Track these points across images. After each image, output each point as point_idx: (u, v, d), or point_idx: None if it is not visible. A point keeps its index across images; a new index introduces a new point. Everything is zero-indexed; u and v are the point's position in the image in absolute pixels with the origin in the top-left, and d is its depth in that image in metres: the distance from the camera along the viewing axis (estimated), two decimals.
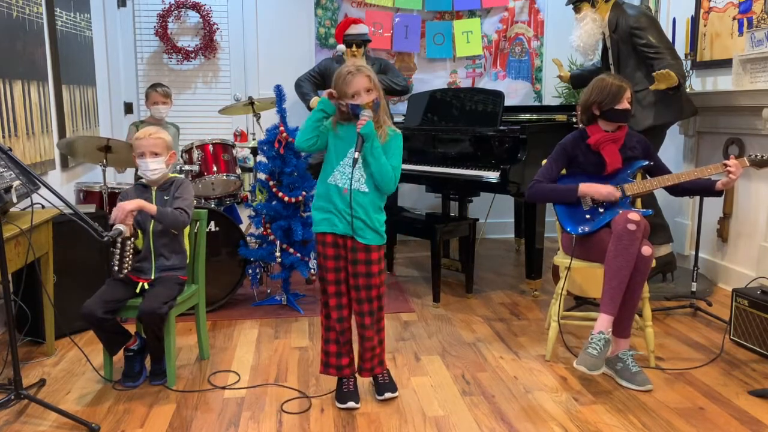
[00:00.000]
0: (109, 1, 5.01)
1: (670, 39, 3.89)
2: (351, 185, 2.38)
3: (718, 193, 2.83)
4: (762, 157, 2.75)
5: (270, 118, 4.24)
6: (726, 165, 2.70)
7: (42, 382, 2.69)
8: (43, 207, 2.88)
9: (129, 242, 2.50)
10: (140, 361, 2.74)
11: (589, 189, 2.79)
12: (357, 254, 2.43)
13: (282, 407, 2.49)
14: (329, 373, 2.56)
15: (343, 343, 2.53)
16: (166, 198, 2.74)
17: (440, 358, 2.98)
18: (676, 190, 2.89)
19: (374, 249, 2.43)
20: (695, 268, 3.57)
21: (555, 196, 2.88)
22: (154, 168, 2.71)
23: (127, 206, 2.54)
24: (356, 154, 2.30)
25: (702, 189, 2.86)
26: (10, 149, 2.40)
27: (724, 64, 4.01)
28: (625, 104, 2.77)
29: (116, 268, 2.48)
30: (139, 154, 2.71)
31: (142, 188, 2.77)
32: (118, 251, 2.47)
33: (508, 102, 4.35)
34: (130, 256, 2.51)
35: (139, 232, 2.69)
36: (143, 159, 2.70)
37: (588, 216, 2.82)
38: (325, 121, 2.41)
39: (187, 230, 2.84)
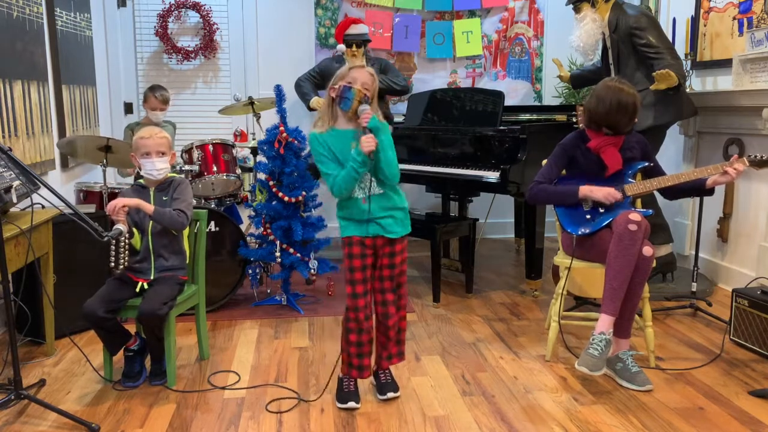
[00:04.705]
0: (109, 1, 5.01)
1: (670, 39, 3.89)
2: (369, 190, 2.41)
3: (710, 192, 2.83)
4: (762, 157, 2.74)
5: (270, 118, 4.24)
6: (729, 168, 2.69)
7: (42, 382, 2.69)
8: (43, 207, 2.88)
9: (123, 239, 2.50)
10: (140, 361, 2.74)
11: (590, 191, 2.78)
12: (383, 248, 2.47)
13: (267, 407, 2.48)
14: (351, 375, 2.55)
15: (365, 342, 2.51)
16: (164, 198, 2.74)
17: (440, 358, 2.98)
18: (669, 191, 2.89)
19: (398, 241, 2.48)
20: (695, 268, 3.57)
21: (556, 198, 2.87)
22: (161, 167, 2.71)
23: (124, 201, 2.55)
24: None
25: (693, 189, 2.85)
26: (10, 149, 2.40)
27: (724, 64, 4.01)
28: (635, 117, 2.78)
29: (113, 264, 2.48)
30: (144, 154, 2.69)
31: (140, 189, 2.77)
32: (113, 247, 2.48)
33: (508, 102, 4.35)
34: (126, 252, 2.51)
35: (135, 231, 2.69)
36: (149, 159, 2.69)
37: (588, 216, 2.81)
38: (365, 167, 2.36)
39: (186, 231, 2.83)
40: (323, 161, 2.41)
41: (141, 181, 2.80)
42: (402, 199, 2.52)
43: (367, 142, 2.29)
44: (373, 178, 2.42)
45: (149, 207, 2.62)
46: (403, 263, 2.53)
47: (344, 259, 2.50)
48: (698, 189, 2.83)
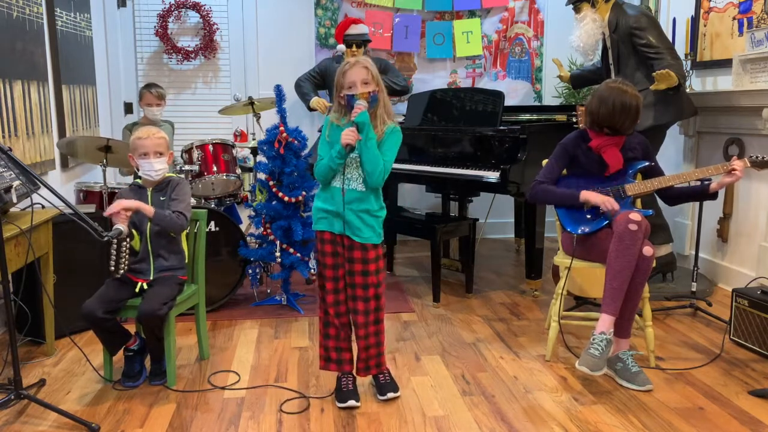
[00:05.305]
0: (109, 1, 5.01)
1: (670, 39, 3.89)
2: (343, 182, 2.41)
3: (713, 196, 2.82)
4: (763, 158, 2.75)
5: (270, 118, 4.24)
6: (733, 167, 2.68)
7: (42, 382, 2.69)
8: (43, 207, 2.88)
9: (125, 241, 2.50)
10: (140, 361, 2.74)
11: (590, 197, 2.77)
12: (353, 252, 2.45)
13: (281, 408, 2.49)
14: (330, 369, 2.58)
15: (342, 338, 2.55)
16: (162, 198, 2.73)
17: (440, 358, 2.98)
18: (670, 196, 2.89)
19: (371, 248, 2.45)
20: (695, 268, 3.57)
21: (557, 199, 2.87)
22: (159, 168, 2.71)
23: (125, 203, 2.54)
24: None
25: (696, 193, 2.85)
26: (10, 149, 2.40)
27: (724, 64, 4.01)
28: (638, 119, 2.77)
29: (113, 267, 2.48)
30: (142, 155, 2.69)
31: (137, 189, 2.76)
32: (114, 250, 2.47)
33: (508, 102, 4.35)
34: (127, 254, 2.51)
35: (134, 232, 2.69)
36: (146, 159, 2.68)
37: (589, 216, 2.81)
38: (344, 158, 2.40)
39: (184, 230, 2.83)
40: (322, 142, 2.49)
41: (139, 180, 2.80)
42: (380, 208, 2.48)
43: (346, 135, 2.32)
44: (360, 173, 2.42)
45: (150, 210, 2.61)
46: (379, 273, 2.48)
47: (317, 254, 2.53)
48: (702, 193, 2.81)
